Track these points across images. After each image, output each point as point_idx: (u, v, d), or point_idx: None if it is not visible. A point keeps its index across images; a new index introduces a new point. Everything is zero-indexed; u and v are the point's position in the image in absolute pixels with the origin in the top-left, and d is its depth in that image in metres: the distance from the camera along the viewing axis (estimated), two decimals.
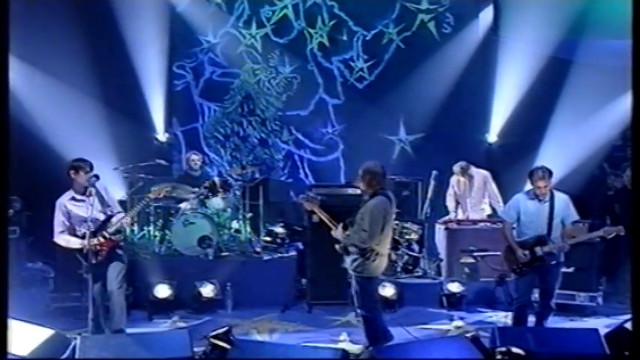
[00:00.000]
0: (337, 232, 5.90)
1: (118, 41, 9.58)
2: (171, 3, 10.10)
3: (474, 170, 8.78)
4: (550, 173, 6.16)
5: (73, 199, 6.17)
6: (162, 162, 8.90)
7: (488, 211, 8.78)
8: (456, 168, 8.68)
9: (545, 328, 6.32)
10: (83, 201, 6.06)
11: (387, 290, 7.63)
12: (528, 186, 6.50)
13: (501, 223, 6.63)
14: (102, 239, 6.03)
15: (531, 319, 6.50)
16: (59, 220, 6.18)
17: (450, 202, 8.90)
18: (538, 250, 6.11)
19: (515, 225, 6.33)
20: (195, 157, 9.06)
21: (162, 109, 10.18)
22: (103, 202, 6.14)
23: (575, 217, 6.31)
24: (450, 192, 8.90)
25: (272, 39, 10.43)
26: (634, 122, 5.22)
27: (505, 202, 8.31)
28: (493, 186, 8.76)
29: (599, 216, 8.70)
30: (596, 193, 9.19)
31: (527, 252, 6.12)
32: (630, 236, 6.22)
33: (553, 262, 6.16)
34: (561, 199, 6.24)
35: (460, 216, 8.77)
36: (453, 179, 8.80)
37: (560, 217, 6.19)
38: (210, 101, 10.55)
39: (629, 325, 5.22)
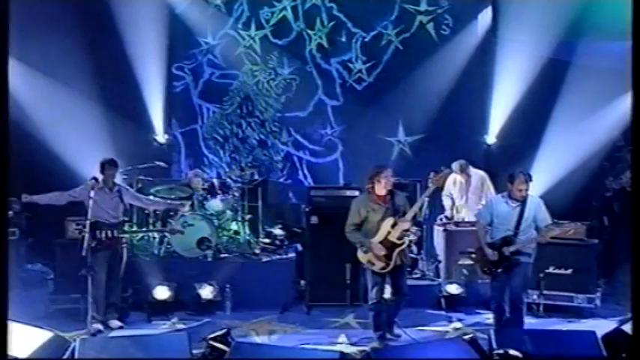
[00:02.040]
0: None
1: (117, 43, 9.58)
2: (170, 4, 10.10)
3: (472, 170, 8.78)
4: (531, 178, 6.35)
5: (101, 189, 6.92)
6: (162, 164, 8.93)
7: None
8: (455, 165, 8.66)
9: (542, 330, 6.37)
10: (106, 194, 6.94)
11: (385, 292, 7.65)
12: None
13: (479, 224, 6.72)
14: (109, 235, 6.75)
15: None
16: (76, 192, 6.98)
17: (446, 201, 8.87)
18: (505, 250, 6.26)
19: (488, 227, 6.49)
20: (196, 180, 8.82)
21: (161, 111, 10.18)
22: (123, 204, 7.08)
23: (549, 220, 6.40)
24: (445, 191, 8.87)
25: (271, 40, 10.42)
26: (634, 123, 5.25)
27: None
28: (490, 187, 8.72)
29: (597, 217, 8.73)
30: (594, 195, 9.20)
31: (495, 252, 6.29)
32: (629, 237, 6.28)
33: (523, 261, 6.27)
34: (534, 202, 6.38)
35: (455, 215, 8.76)
36: (450, 177, 8.78)
37: (531, 220, 6.31)
38: (210, 102, 10.55)
39: (626, 327, 5.24)
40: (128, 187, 7.60)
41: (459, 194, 8.80)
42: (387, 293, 6.52)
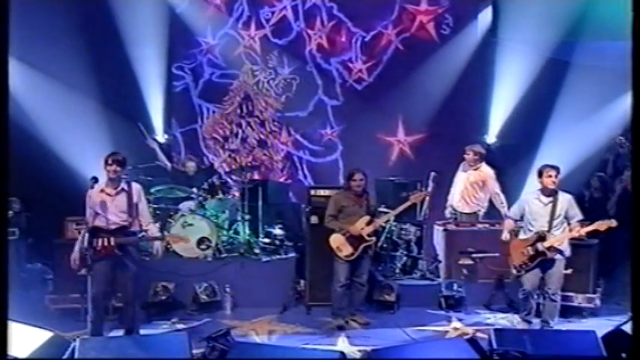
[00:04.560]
0: None
1: (117, 42, 9.57)
2: (170, 4, 10.09)
3: (483, 163, 8.66)
4: (557, 169, 6.72)
5: (102, 191, 6.29)
6: (162, 164, 8.94)
7: (483, 209, 8.71)
8: (467, 148, 8.63)
9: (542, 330, 6.38)
10: (110, 195, 6.25)
11: (386, 291, 7.68)
12: (531, 187, 6.98)
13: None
14: (106, 243, 6.11)
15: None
16: (87, 211, 6.30)
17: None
18: (539, 245, 6.57)
19: (520, 223, 6.90)
20: (190, 164, 9.07)
21: (161, 111, 10.17)
22: (130, 204, 6.28)
23: (580, 216, 6.71)
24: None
25: (271, 40, 10.42)
26: (634, 123, 5.25)
27: (508, 203, 8.35)
28: (496, 187, 8.60)
29: (596, 217, 8.71)
30: (593, 194, 9.20)
31: (530, 248, 6.63)
32: (628, 237, 6.27)
33: (557, 259, 6.64)
34: (565, 198, 6.69)
35: (456, 202, 8.74)
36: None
37: (563, 216, 6.63)
38: (209, 102, 10.54)
39: (626, 327, 5.24)
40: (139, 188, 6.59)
41: (458, 180, 8.77)
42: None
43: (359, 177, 7.09)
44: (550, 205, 6.63)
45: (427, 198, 8.42)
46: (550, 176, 6.62)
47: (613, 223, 6.50)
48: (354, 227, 6.96)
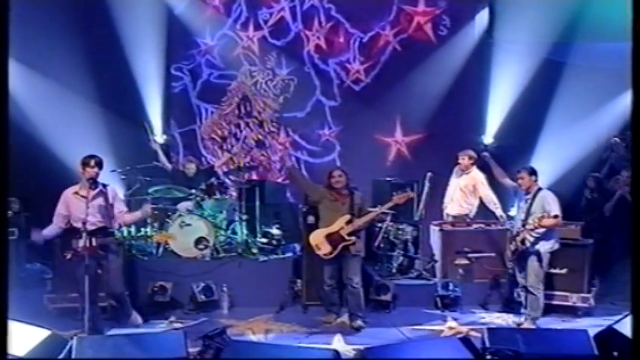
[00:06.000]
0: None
1: (116, 43, 9.60)
2: (168, 5, 10.13)
3: (474, 168, 8.68)
4: (531, 170, 7.07)
5: (76, 193, 6.32)
6: (162, 164, 8.98)
7: (473, 211, 8.73)
8: (461, 153, 8.65)
9: (535, 329, 6.42)
10: (85, 197, 6.21)
11: (382, 291, 7.73)
12: None
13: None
14: (87, 244, 6.10)
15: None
16: (58, 210, 6.40)
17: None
18: (517, 239, 6.98)
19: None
20: (191, 165, 9.12)
21: (159, 111, 10.20)
22: (106, 206, 6.33)
23: (555, 211, 6.83)
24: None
25: (269, 41, 10.46)
26: (634, 123, 5.29)
27: (503, 204, 8.41)
28: (486, 188, 8.63)
29: (593, 218, 8.77)
30: (589, 194, 9.25)
31: (513, 243, 7.08)
32: (623, 237, 6.32)
33: (531, 251, 6.95)
34: (542, 195, 6.93)
35: (449, 207, 8.77)
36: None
37: (539, 212, 6.82)
38: (208, 103, 10.58)
39: (618, 326, 5.28)
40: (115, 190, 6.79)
41: (451, 185, 8.80)
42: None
43: (337, 173, 7.11)
44: (528, 202, 6.95)
45: (423, 198, 8.49)
46: (519, 179, 7.01)
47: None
48: (332, 226, 6.96)
